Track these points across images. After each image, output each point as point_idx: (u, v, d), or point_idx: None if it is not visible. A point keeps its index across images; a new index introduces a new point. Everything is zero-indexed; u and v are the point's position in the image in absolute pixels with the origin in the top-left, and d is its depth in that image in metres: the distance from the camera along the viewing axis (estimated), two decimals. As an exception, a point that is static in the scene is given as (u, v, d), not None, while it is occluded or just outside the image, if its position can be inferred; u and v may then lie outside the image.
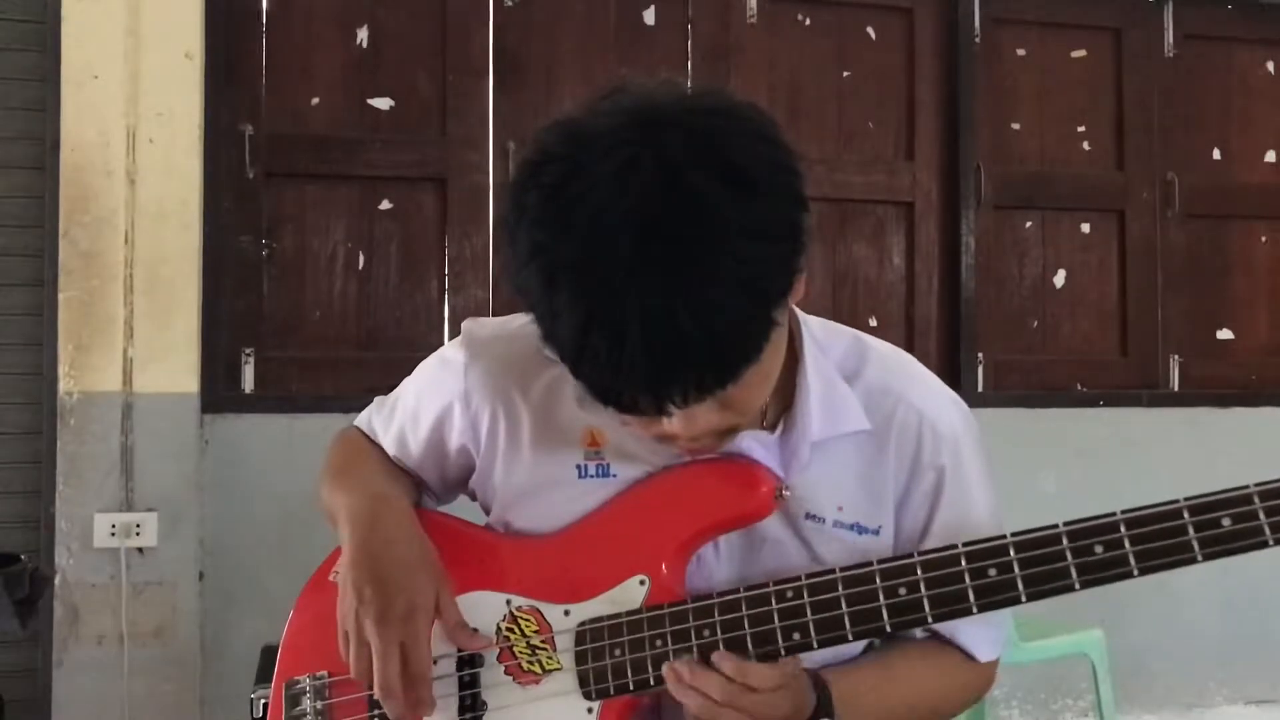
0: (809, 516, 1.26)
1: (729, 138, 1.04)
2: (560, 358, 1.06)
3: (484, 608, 1.29)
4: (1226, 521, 1.10)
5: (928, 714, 1.35)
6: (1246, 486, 1.10)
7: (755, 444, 1.24)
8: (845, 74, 4.12)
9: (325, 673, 1.34)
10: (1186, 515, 1.11)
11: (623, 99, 1.08)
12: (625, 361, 1.01)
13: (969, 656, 1.33)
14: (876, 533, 1.27)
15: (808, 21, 4.10)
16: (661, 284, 0.99)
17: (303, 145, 3.66)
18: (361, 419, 1.50)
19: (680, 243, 1.00)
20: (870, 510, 1.28)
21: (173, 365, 3.34)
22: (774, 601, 1.18)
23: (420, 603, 1.24)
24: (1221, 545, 1.10)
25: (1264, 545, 1.09)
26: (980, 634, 1.33)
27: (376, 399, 1.49)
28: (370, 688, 1.25)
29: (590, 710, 1.23)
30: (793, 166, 1.07)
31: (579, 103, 1.11)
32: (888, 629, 1.17)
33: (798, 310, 1.28)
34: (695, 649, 1.19)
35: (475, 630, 1.28)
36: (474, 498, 1.41)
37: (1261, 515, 1.09)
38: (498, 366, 1.34)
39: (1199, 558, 1.10)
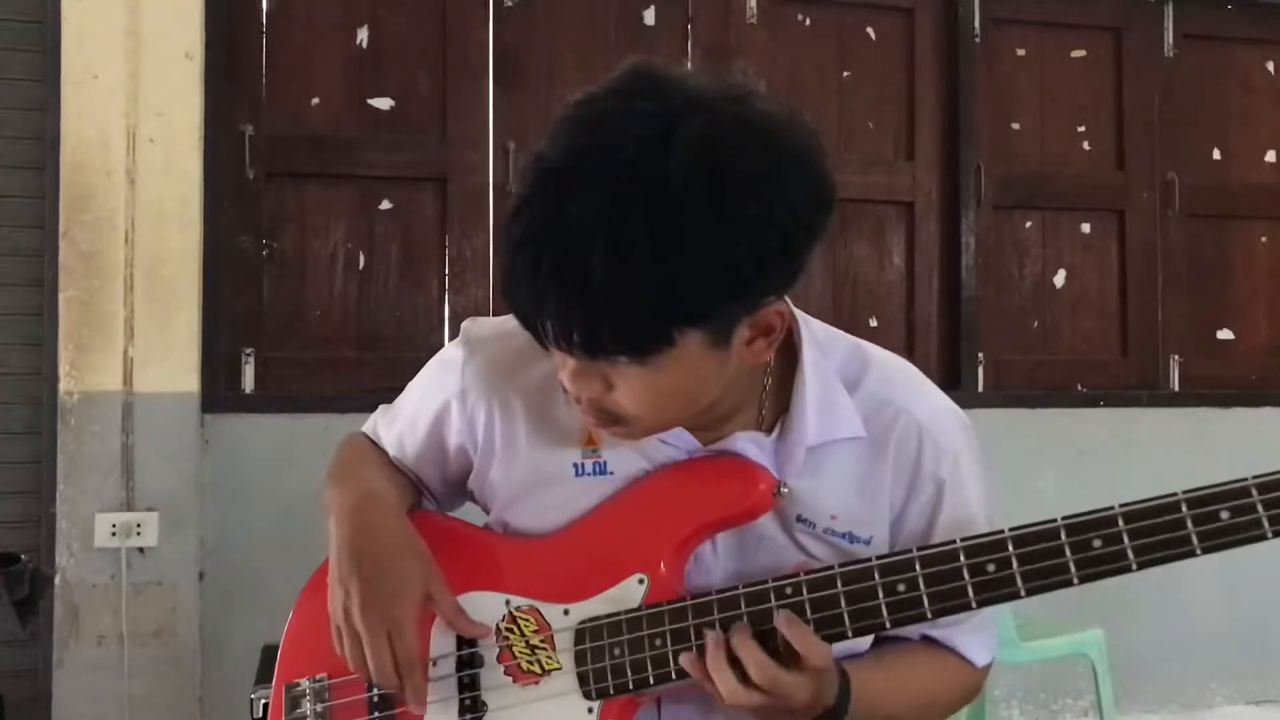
0: (800, 520, 1.26)
1: (741, 155, 1.05)
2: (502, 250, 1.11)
3: (483, 608, 1.28)
4: (1225, 514, 1.09)
5: (927, 716, 1.35)
6: (1244, 479, 1.10)
7: (750, 445, 1.24)
8: (845, 74, 4.12)
9: (325, 675, 1.34)
10: (1185, 509, 1.10)
11: (696, 75, 1.11)
12: (520, 259, 1.05)
13: (966, 661, 1.34)
14: (868, 542, 1.27)
15: (808, 21, 4.10)
16: (592, 221, 1.02)
17: (303, 145, 3.66)
18: (367, 425, 1.50)
19: (632, 206, 1.02)
20: (864, 519, 1.27)
21: (173, 365, 3.34)
22: (773, 599, 1.17)
23: (406, 589, 1.24)
24: (1220, 538, 1.10)
25: (1262, 538, 1.09)
26: (975, 641, 1.33)
27: (382, 406, 1.50)
28: (368, 678, 1.25)
29: (590, 710, 1.23)
30: (796, 216, 1.07)
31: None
32: (887, 625, 1.17)
33: (799, 312, 1.28)
34: (695, 650, 1.19)
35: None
36: (473, 498, 1.42)
37: (1260, 508, 1.09)
38: (495, 364, 1.34)
39: (1197, 551, 1.10)
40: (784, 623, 1.14)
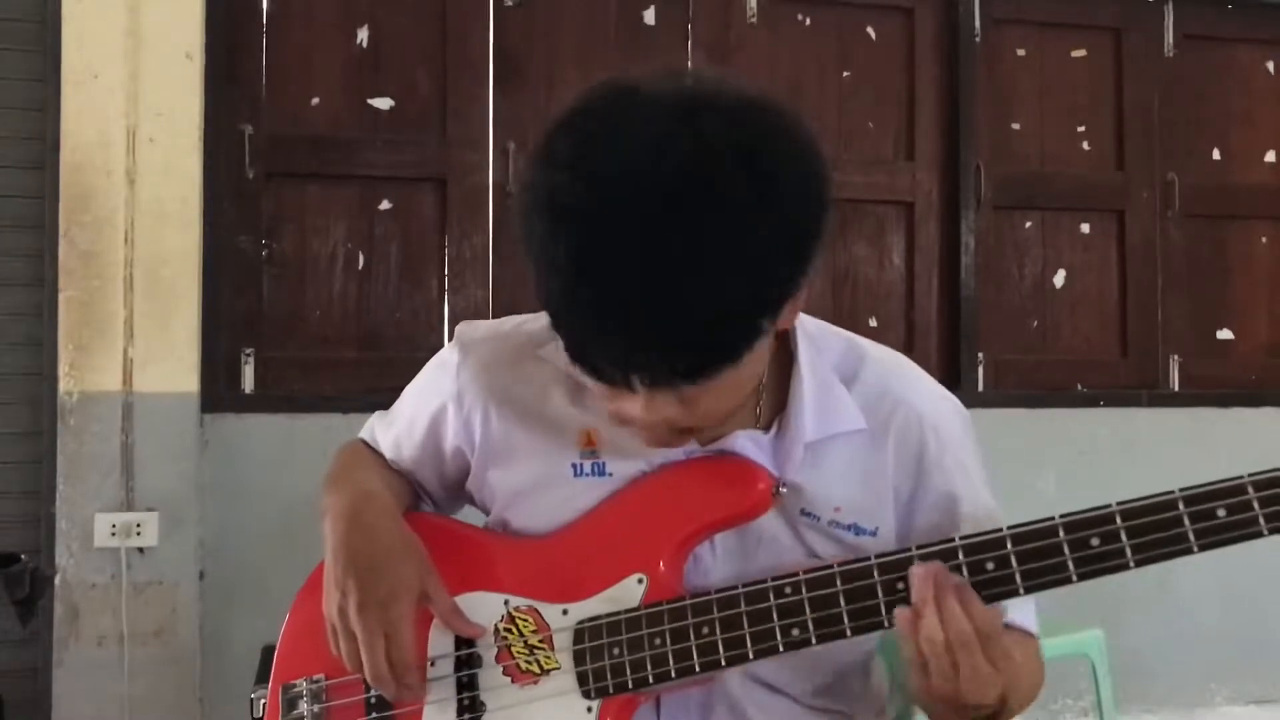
0: (804, 514, 1.26)
1: (767, 139, 1.05)
2: (545, 305, 1.07)
3: (482, 608, 1.29)
4: (1221, 512, 1.10)
5: (1033, 695, 1.31)
6: (1241, 477, 1.10)
7: (749, 443, 1.24)
8: (845, 74, 4.12)
9: (322, 676, 1.34)
10: (1181, 506, 1.11)
11: (675, 77, 1.10)
12: (606, 323, 1.02)
13: (1033, 636, 1.33)
14: (874, 534, 1.27)
15: (808, 21, 4.10)
16: (665, 255, 1.00)
17: (303, 145, 3.66)
18: (364, 430, 1.51)
19: (695, 225, 1.00)
20: (869, 511, 1.27)
21: (173, 365, 3.34)
22: (772, 598, 1.18)
23: (401, 589, 1.24)
24: (1216, 536, 1.10)
25: (1259, 535, 1.10)
26: (1028, 610, 1.31)
27: (379, 412, 1.50)
28: (365, 678, 1.25)
29: (590, 710, 1.23)
30: (822, 186, 1.08)
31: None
32: (886, 624, 1.17)
33: (793, 310, 1.28)
34: (694, 649, 1.19)
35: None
36: (473, 501, 1.42)
37: (1256, 505, 1.09)
38: (491, 366, 1.34)
39: (1194, 548, 1.11)
40: (970, 602, 1.11)
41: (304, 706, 1.34)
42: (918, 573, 1.12)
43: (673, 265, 1.00)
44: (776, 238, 1.04)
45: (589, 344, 1.06)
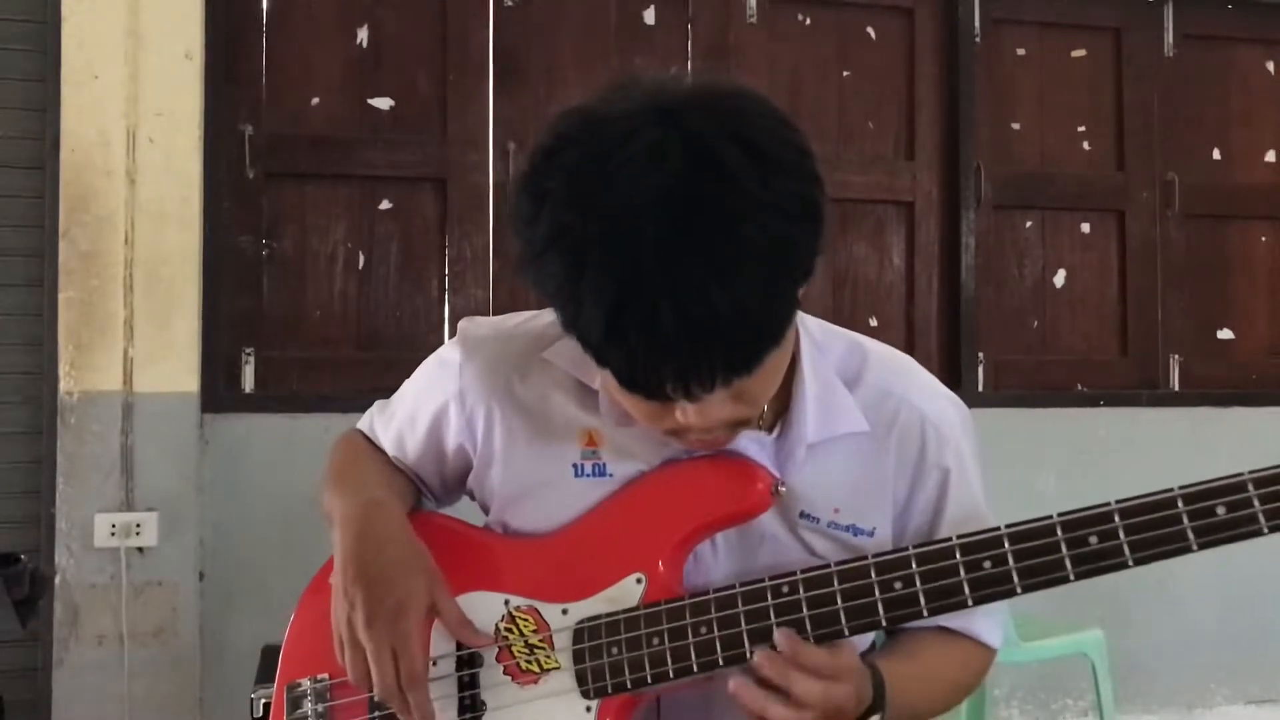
0: (804, 515, 1.26)
1: (749, 118, 1.05)
2: (584, 344, 1.05)
3: (482, 608, 1.28)
4: (1221, 510, 1.10)
5: (950, 702, 1.36)
6: (1240, 475, 1.10)
7: (751, 444, 1.24)
8: (845, 74, 4.12)
9: (326, 675, 1.34)
10: (1181, 504, 1.11)
11: (634, 89, 1.08)
12: (658, 342, 1.00)
13: (981, 644, 1.35)
14: (871, 534, 1.27)
15: (808, 21, 4.10)
16: (693, 261, 0.99)
17: (303, 145, 3.66)
18: (363, 422, 1.49)
19: (711, 219, 1.00)
20: (867, 512, 1.28)
21: (173, 365, 3.34)
22: (770, 597, 1.18)
23: (410, 603, 1.23)
24: (1216, 534, 1.10)
25: (1258, 534, 1.10)
26: (989, 622, 1.34)
27: (378, 402, 1.49)
28: (369, 691, 1.25)
29: (589, 709, 1.23)
30: (807, 147, 1.08)
31: (587, 96, 1.11)
32: (883, 623, 1.17)
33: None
34: (692, 648, 1.19)
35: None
36: (473, 497, 1.41)
37: (1256, 503, 1.09)
38: (493, 365, 1.34)
39: (1193, 547, 1.10)
40: (784, 641, 1.15)
41: (308, 706, 1.34)
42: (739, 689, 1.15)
43: (712, 264, 0.99)
44: (793, 204, 1.03)
45: (645, 370, 1.04)
